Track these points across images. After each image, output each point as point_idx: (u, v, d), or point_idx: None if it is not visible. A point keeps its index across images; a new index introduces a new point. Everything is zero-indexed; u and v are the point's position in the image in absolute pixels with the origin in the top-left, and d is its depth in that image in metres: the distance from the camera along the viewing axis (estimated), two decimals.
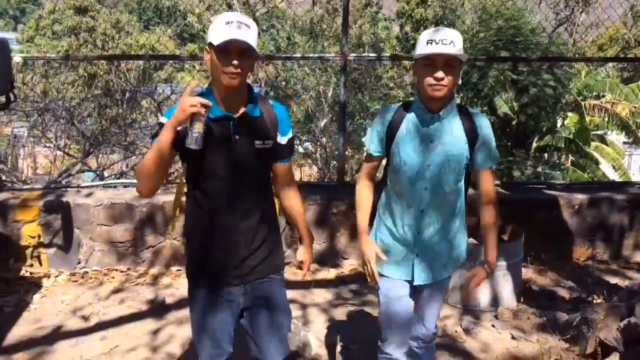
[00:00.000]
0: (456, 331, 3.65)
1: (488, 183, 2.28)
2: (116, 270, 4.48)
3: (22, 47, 19.32)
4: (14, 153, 9.39)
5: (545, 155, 11.00)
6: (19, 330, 3.61)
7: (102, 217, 4.48)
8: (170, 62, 13.67)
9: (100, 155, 8.25)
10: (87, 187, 4.95)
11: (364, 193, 2.37)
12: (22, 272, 4.38)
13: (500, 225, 4.32)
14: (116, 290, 4.19)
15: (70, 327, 3.69)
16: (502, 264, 3.90)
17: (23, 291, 4.13)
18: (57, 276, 4.37)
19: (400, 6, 18.59)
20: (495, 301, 3.94)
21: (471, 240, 4.21)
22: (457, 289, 3.98)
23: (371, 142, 2.29)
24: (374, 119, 2.31)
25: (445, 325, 3.72)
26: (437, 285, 2.41)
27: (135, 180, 5.46)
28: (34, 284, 4.24)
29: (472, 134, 2.19)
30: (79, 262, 4.50)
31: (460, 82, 2.16)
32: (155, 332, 3.62)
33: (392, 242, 2.34)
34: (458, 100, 10.72)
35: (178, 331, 3.60)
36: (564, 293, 4.18)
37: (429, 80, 2.06)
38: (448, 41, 2.04)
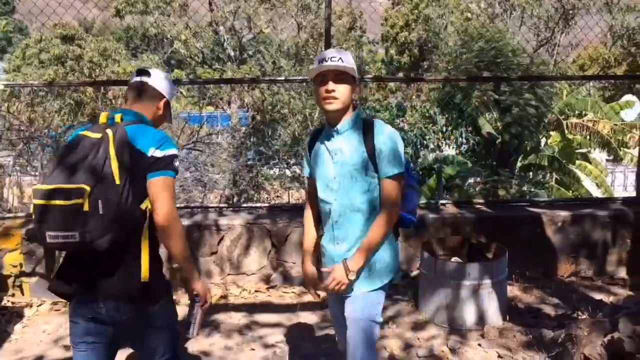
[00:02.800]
0: (442, 351, 3.62)
1: (385, 191, 2.28)
2: None
3: (9, 76, 19.31)
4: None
5: (530, 173, 11.10)
6: None
7: None
8: None
9: None
10: None
11: (307, 215, 2.54)
12: (4, 302, 4.30)
13: (484, 243, 4.33)
14: None
15: (52, 357, 3.61)
16: (487, 282, 3.90)
17: (4, 321, 4.05)
18: (39, 305, 4.29)
19: (385, 30, 18.83)
20: (481, 320, 3.92)
21: (455, 258, 4.21)
22: (443, 309, 3.96)
23: (304, 165, 2.52)
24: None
25: (432, 346, 3.69)
26: (358, 299, 2.33)
27: None
28: (16, 314, 4.16)
29: (370, 143, 2.26)
30: None
31: (355, 97, 2.29)
32: None
33: (323, 253, 2.46)
34: (443, 121, 10.72)
35: None
36: (549, 310, 4.16)
37: (322, 92, 2.25)
38: (337, 58, 2.24)
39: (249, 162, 9.25)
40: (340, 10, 14.99)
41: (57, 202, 1.94)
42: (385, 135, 2.26)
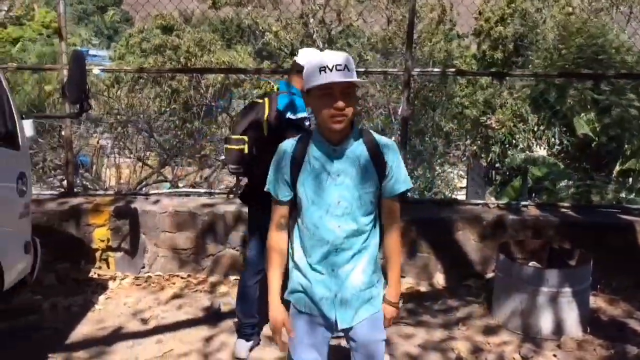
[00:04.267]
0: (514, 358, 3.47)
1: (393, 209, 2.14)
2: (177, 276, 4.60)
3: (114, 64, 20.51)
4: (98, 162, 9.93)
5: (629, 180, 10.37)
6: (82, 330, 3.77)
7: (167, 224, 4.62)
8: (248, 78, 14.06)
9: (176, 167, 8.56)
10: (155, 194, 5.14)
11: (277, 248, 2.15)
12: (91, 274, 4.59)
13: (567, 249, 4.10)
14: (175, 296, 4.30)
15: (130, 329, 3.81)
16: (567, 290, 3.68)
17: (90, 292, 4.32)
18: (122, 279, 4.54)
19: (478, 24, 18.23)
20: (558, 329, 3.71)
21: (533, 263, 4.00)
22: (517, 315, 3.79)
23: (276, 187, 2.12)
24: (273, 160, 2.13)
25: (503, 352, 3.54)
26: (365, 326, 2.15)
27: (203, 190, 5.63)
28: (101, 286, 4.42)
29: (380, 163, 2.06)
30: (143, 267, 4.66)
31: (355, 105, 2.01)
32: (208, 340, 3.67)
33: (307, 283, 2.13)
34: (534, 120, 10.29)
35: (230, 339, 3.63)
36: (635, 325, 3.87)
37: (330, 111, 1.96)
38: (342, 66, 1.94)
39: None
40: (430, 4, 14.65)
41: (231, 146, 3.25)
42: (392, 150, 2.09)
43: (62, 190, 5.30)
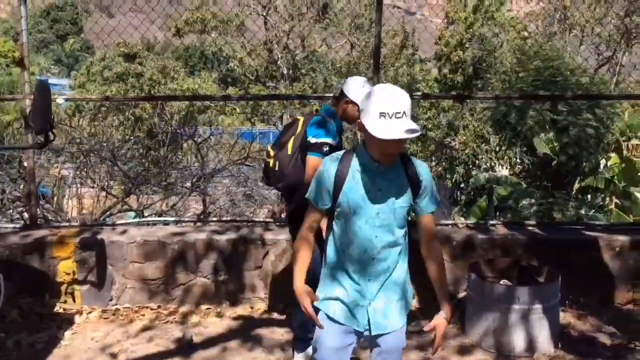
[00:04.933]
0: None
1: (429, 226, 2.32)
2: (147, 307, 4.49)
3: (75, 93, 20.20)
4: (59, 193, 9.71)
5: (588, 196, 10.67)
6: None
7: (135, 254, 4.53)
8: (212, 105, 14.04)
9: (141, 195, 8.44)
10: (122, 224, 5.04)
11: (306, 239, 2.34)
12: (56, 309, 4.44)
13: (535, 267, 4.17)
14: (146, 328, 4.20)
15: None
16: (538, 306, 3.74)
17: (55, 327, 4.17)
18: (89, 313, 4.41)
19: (439, 48, 18.69)
20: (531, 346, 3.75)
21: (504, 281, 4.06)
22: (490, 333, 3.82)
23: (317, 196, 2.27)
24: (317, 172, 2.30)
25: None
26: (397, 334, 2.34)
27: (171, 218, 5.55)
28: (67, 321, 4.28)
29: (415, 182, 2.23)
30: (111, 299, 4.54)
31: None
32: None
33: (343, 292, 2.29)
34: (496, 141, 10.47)
35: None
36: (605, 339, 3.95)
37: (384, 152, 2.14)
38: (401, 113, 2.03)
39: None
40: (393, 30, 14.97)
41: (266, 158, 3.55)
42: (427, 172, 2.27)
43: (24, 222, 5.14)
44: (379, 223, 2.20)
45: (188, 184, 7.79)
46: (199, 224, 5.17)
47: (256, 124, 15.13)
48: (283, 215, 8.49)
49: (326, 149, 3.13)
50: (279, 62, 16.98)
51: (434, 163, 12.49)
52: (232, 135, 10.03)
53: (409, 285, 2.38)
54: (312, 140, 3.19)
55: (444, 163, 11.95)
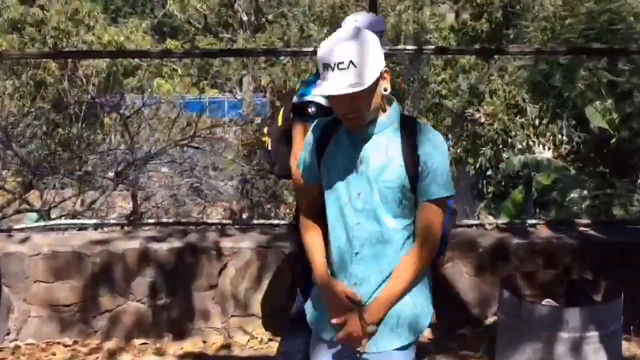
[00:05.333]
0: None
1: (424, 218, 2.31)
2: (59, 343, 4.48)
3: None
4: None
5: None
6: None
7: (41, 270, 4.51)
8: (145, 65, 13.90)
9: (46, 190, 8.36)
10: (21, 229, 5.01)
11: (311, 234, 2.44)
12: None
13: (590, 281, 4.24)
14: None
15: None
16: (593, 334, 3.80)
17: None
18: None
19: None
20: None
21: (548, 301, 4.12)
22: None
23: (304, 168, 2.44)
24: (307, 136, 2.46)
25: None
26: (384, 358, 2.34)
27: (91, 221, 5.53)
28: None
29: (411, 155, 2.25)
30: (9, 333, 4.52)
31: (387, 91, 2.25)
32: None
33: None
34: (535, 112, 10.56)
35: None
36: None
37: (338, 111, 2.24)
38: (345, 63, 2.12)
39: (264, 166, 9.30)
40: None
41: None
42: (433, 145, 2.27)
43: None
44: (360, 206, 2.27)
45: (112, 174, 7.76)
46: (128, 228, 5.15)
47: (206, 90, 15.04)
48: (245, 216, 8.52)
49: (312, 109, 3.19)
50: (236, 4, 16.89)
51: (450, 142, 12.57)
52: (172, 106, 9.97)
53: (420, 300, 2.39)
54: (296, 101, 3.29)
55: (464, 142, 12.05)
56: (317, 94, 2.23)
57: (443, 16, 20.14)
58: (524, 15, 14.58)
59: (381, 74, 2.20)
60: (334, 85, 2.12)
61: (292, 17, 14.74)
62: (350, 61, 2.11)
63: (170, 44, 16.67)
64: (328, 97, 2.30)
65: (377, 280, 2.29)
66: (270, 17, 17.34)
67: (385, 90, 2.24)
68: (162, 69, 15.19)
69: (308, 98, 3.24)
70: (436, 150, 2.26)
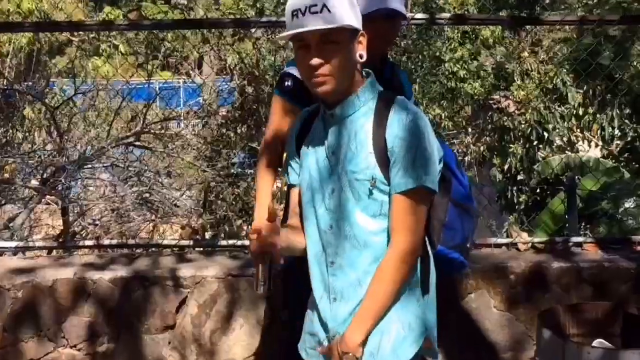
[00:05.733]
0: None
1: (396, 213, 2.40)
2: None
3: None
4: None
5: None
6: None
7: None
8: (76, 40, 13.85)
9: None
10: None
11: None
12: None
13: None
14: None
15: None
16: None
17: None
18: None
19: None
20: None
21: (600, 341, 4.14)
22: None
23: (288, 166, 2.68)
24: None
25: None
26: None
27: (10, 244, 5.49)
28: None
29: (380, 140, 2.39)
30: None
31: (362, 59, 2.43)
32: None
33: (311, 315, 2.59)
34: (579, 98, 10.56)
35: None
36: None
37: (306, 69, 2.42)
38: (319, 7, 2.32)
39: (233, 170, 9.26)
40: None
41: None
42: (403, 125, 2.37)
43: None
44: (333, 205, 2.44)
45: (35, 182, 7.73)
46: (59, 252, 5.12)
47: (156, 73, 14.94)
48: (209, 235, 8.48)
49: (288, 83, 3.39)
50: None
51: (470, 138, 12.59)
52: (113, 94, 9.91)
53: (410, 318, 2.47)
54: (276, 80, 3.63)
55: (488, 138, 12.08)
56: (287, 32, 2.34)
57: None
58: None
59: (358, 33, 2.41)
60: (303, 26, 2.33)
61: None
62: (324, 4, 2.30)
63: (110, 12, 16.62)
64: (299, 43, 2.42)
65: (355, 295, 2.40)
66: None
67: (361, 57, 2.41)
68: (99, 45, 15.12)
69: (288, 70, 3.43)
70: (405, 130, 2.36)
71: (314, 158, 2.51)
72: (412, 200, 2.37)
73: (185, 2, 16.74)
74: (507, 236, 6.01)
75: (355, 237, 2.38)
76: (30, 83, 10.04)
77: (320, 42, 2.34)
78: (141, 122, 8.59)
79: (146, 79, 9.92)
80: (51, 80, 11.20)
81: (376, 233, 2.38)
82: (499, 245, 5.06)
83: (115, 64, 14.99)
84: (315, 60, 2.34)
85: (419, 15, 5.32)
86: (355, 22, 2.39)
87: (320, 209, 2.46)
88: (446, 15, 6.24)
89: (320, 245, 2.47)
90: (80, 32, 12.25)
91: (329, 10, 2.29)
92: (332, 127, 2.47)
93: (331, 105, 2.46)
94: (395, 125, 2.36)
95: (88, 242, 5.37)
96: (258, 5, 14.16)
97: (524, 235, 5.26)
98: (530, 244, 5.05)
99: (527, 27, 11.83)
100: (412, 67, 11.92)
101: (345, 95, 2.43)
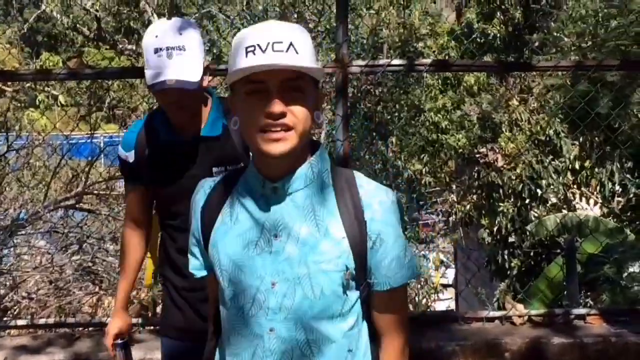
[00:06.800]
0: None
1: (393, 309, 2.33)
2: None
3: None
4: None
5: None
6: None
7: None
8: (10, 91, 13.86)
9: None
10: None
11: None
12: None
13: None
14: None
15: None
16: None
17: None
18: None
19: None
20: None
21: None
22: None
23: (196, 251, 2.43)
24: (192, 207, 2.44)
25: None
26: None
27: None
28: None
29: (356, 223, 2.22)
30: None
31: (319, 120, 2.24)
32: None
33: None
34: (575, 151, 10.71)
35: None
36: None
37: (260, 120, 2.12)
38: (285, 45, 2.12)
39: None
40: None
41: None
42: (386, 209, 2.25)
43: None
44: (275, 303, 2.21)
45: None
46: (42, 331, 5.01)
47: (100, 126, 14.91)
48: (158, 310, 8.38)
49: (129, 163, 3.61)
50: (142, 2, 16.96)
51: (454, 195, 12.61)
52: (51, 151, 9.87)
53: None
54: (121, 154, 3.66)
55: (475, 196, 12.10)
56: (238, 67, 2.10)
57: (439, 16, 20.52)
58: (552, 13, 14.88)
59: (318, 86, 2.25)
60: (273, 60, 2.09)
61: (225, 20, 14.84)
62: (291, 43, 2.11)
63: (48, 59, 16.65)
64: (252, 86, 2.15)
65: None
66: (192, 19, 17.41)
67: (318, 118, 2.23)
68: (36, 96, 15.10)
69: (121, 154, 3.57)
70: (391, 214, 2.25)
71: (241, 243, 2.24)
72: (405, 291, 2.35)
73: (134, 47, 16.80)
74: (500, 308, 5.99)
75: (309, 344, 2.22)
76: None
77: (283, 88, 2.10)
78: (83, 181, 8.55)
79: (89, 133, 9.88)
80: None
81: (335, 341, 2.24)
82: (491, 319, 5.01)
83: (54, 116, 14.98)
84: (279, 107, 2.08)
85: (396, 62, 5.35)
86: (320, 72, 2.24)
87: (252, 307, 2.23)
88: (427, 60, 6.24)
89: (250, 355, 2.26)
90: (15, 82, 12.21)
91: (296, 51, 2.10)
92: (275, 204, 2.22)
93: (275, 178, 2.21)
94: (377, 207, 2.23)
95: (21, 322, 5.27)
96: (214, 51, 14.23)
97: (520, 307, 5.23)
98: (527, 317, 5.02)
99: (515, 72, 11.92)
100: (389, 117, 11.96)
101: (293, 164, 2.21)
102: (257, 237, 2.22)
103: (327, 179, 2.26)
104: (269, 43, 2.09)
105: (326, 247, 2.19)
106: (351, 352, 2.27)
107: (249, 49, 2.10)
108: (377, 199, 2.23)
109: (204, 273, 2.39)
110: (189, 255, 2.43)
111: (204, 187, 2.39)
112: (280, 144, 2.11)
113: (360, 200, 2.22)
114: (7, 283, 7.63)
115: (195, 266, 2.39)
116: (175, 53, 3.05)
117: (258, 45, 2.09)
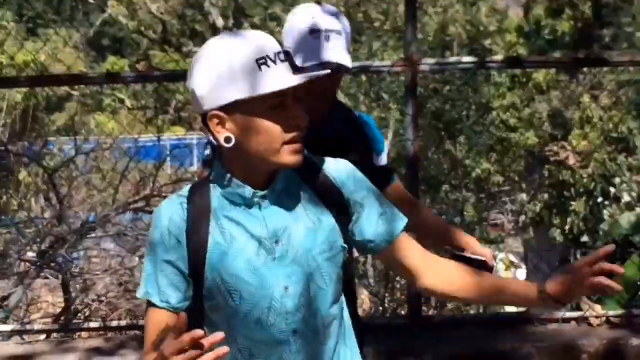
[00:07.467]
0: None
1: (414, 249, 2.40)
2: None
3: None
4: None
5: None
6: None
7: None
8: (77, 94, 14.00)
9: None
10: None
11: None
12: None
13: None
14: None
15: None
16: None
17: None
18: None
19: None
20: None
21: None
22: None
23: (159, 287, 2.23)
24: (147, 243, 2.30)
25: None
26: None
27: (6, 327, 5.46)
28: None
29: (335, 194, 2.29)
30: None
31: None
32: None
33: None
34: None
35: None
36: None
37: (287, 133, 2.13)
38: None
39: None
40: None
41: None
42: (344, 170, 2.33)
43: None
44: (293, 306, 2.22)
45: (32, 254, 7.74)
46: (59, 335, 5.09)
47: (167, 128, 15.03)
48: None
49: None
50: (206, 3, 17.07)
51: (524, 196, 12.52)
52: (119, 154, 9.96)
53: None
54: None
55: (545, 195, 12.00)
56: (270, 89, 2.03)
57: (505, 13, 20.39)
58: (623, 8, 14.69)
59: None
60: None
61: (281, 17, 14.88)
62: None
63: (114, 63, 16.83)
64: (272, 104, 2.14)
65: None
66: (256, 19, 17.52)
67: None
68: (102, 99, 15.26)
69: None
70: (351, 171, 2.34)
71: (242, 259, 2.19)
72: (408, 237, 2.41)
73: (197, 49, 16.89)
74: (576, 309, 5.92)
75: (323, 329, 2.29)
76: (25, 143, 10.09)
77: (299, 93, 2.18)
78: (151, 184, 8.60)
79: (156, 135, 9.94)
80: (49, 139, 11.28)
81: (336, 315, 2.33)
82: (567, 320, 4.97)
83: (121, 119, 15.13)
84: (302, 118, 2.15)
85: (467, 59, 5.33)
86: None
87: (269, 316, 2.20)
88: (498, 57, 6.24)
89: (276, 358, 2.25)
90: (82, 86, 12.36)
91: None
92: (267, 211, 2.22)
93: (261, 185, 2.21)
94: (340, 171, 2.31)
95: (93, 324, 5.33)
96: None
97: (597, 307, 5.18)
98: (604, 317, 4.96)
99: (585, 68, 11.80)
100: (456, 116, 11.91)
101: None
102: (257, 248, 2.20)
103: (294, 172, 2.26)
104: (277, 53, 2.15)
105: (324, 237, 2.24)
106: (342, 320, 2.36)
107: (260, 61, 2.11)
108: (332, 168, 2.31)
109: (183, 303, 2.24)
110: (161, 291, 2.23)
111: (170, 211, 2.26)
112: (301, 154, 2.16)
113: (327, 177, 2.28)
114: (77, 286, 7.70)
115: (177, 298, 2.23)
116: (332, 36, 2.90)
117: (267, 56, 2.12)
